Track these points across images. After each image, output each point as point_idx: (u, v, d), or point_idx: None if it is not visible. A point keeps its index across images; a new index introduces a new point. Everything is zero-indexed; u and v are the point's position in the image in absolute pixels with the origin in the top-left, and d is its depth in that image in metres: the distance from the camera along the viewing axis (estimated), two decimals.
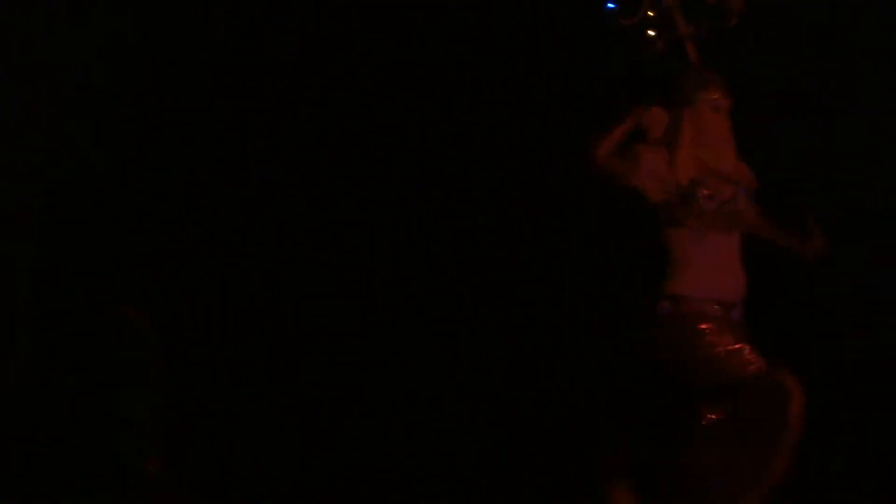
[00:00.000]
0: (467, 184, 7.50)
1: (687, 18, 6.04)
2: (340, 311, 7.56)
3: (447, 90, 7.52)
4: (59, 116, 7.46)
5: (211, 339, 7.51)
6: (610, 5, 6.09)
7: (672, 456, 5.69)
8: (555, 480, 7.05)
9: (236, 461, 7.42)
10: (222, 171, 7.58)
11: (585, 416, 6.91)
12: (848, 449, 6.95)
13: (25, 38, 7.37)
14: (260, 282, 7.57)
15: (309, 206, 7.56)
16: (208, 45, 7.61)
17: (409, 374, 7.52)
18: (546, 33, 7.42)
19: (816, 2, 7.21)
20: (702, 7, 6.05)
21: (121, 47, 7.56)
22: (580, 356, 7.26)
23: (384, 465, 7.41)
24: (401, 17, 7.49)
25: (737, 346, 5.68)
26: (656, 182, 5.76)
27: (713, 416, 5.67)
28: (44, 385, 7.34)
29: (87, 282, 7.40)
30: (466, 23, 7.48)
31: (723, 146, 5.85)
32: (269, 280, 7.57)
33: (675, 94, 5.88)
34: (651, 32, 6.06)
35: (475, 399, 7.42)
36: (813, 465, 6.60)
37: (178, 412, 7.15)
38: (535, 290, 7.46)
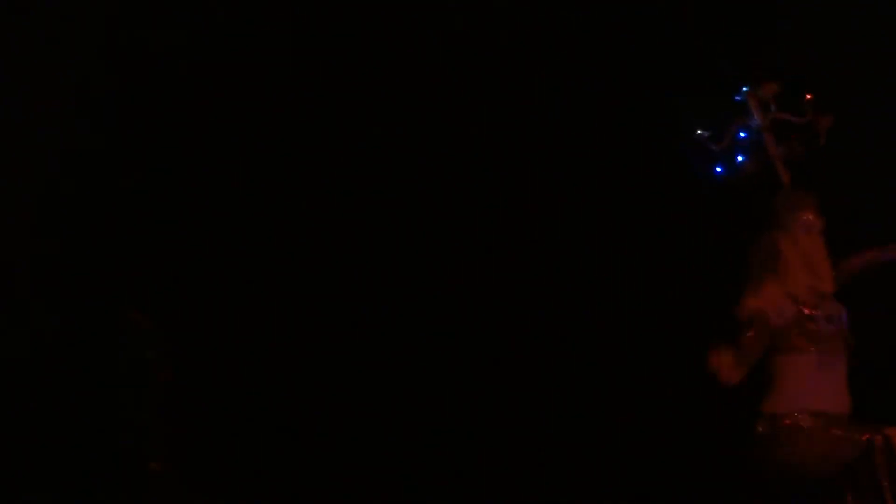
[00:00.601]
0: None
1: (777, 140, 6.14)
2: (342, 311, 7.58)
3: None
4: (62, 116, 7.38)
5: (214, 340, 7.52)
6: (700, 132, 6.13)
7: None
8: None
9: (238, 461, 7.48)
10: (227, 172, 7.57)
11: None
12: None
13: (26, 37, 7.31)
14: (262, 282, 7.56)
15: (311, 206, 7.53)
16: (210, 45, 7.50)
17: (411, 374, 7.60)
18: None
19: None
20: (791, 128, 6.14)
21: (121, 46, 7.50)
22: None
23: (384, 465, 7.50)
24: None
25: (837, 433, 5.84)
26: (774, 309, 5.84)
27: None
28: (47, 385, 7.25)
29: (90, 282, 7.34)
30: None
31: (821, 266, 5.95)
32: (271, 281, 7.56)
33: (768, 219, 5.96)
34: (740, 157, 6.12)
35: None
36: None
37: (181, 412, 7.12)
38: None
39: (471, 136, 7.52)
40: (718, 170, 6.24)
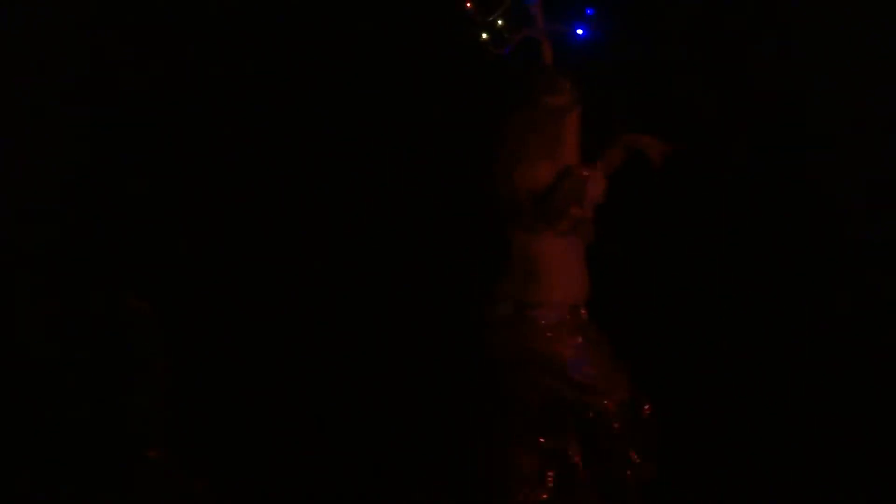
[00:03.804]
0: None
1: (547, 18, 5.95)
2: (341, 302, 7.60)
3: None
4: (63, 106, 7.42)
5: (213, 326, 7.56)
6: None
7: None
8: None
9: (237, 448, 7.47)
10: (228, 161, 7.58)
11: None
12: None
13: (26, 34, 7.33)
14: (261, 272, 7.58)
15: (310, 197, 7.55)
16: (211, 41, 7.57)
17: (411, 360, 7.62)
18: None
19: None
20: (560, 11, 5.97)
21: (123, 41, 7.53)
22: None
23: (382, 454, 7.45)
24: None
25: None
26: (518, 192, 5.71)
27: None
28: (45, 371, 7.28)
29: (91, 270, 7.37)
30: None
31: (565, 150, 5.77)
32: (270, 270, 7.58)
33: (520, 96, 5.77)
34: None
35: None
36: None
37: (179, 399, 7.15)
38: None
39: None
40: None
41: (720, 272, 7.47)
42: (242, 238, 7.59)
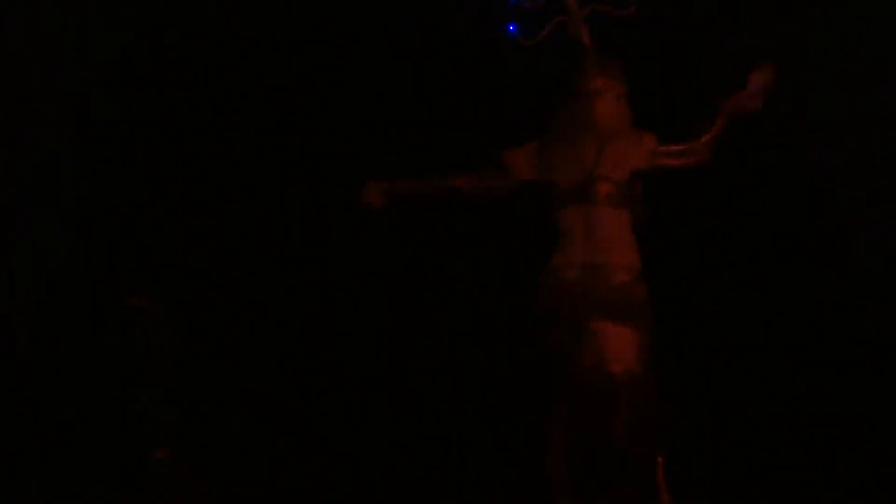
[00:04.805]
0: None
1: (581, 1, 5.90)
2: (347, 304, 7.61)
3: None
4: (65, 106, 7.41)
5: (219, 328, 7.56)
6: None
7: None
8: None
9: (243, 448, 7.49)
10: (237, 163, 7.57)
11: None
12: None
13: (29, 34, 7.38)
14: (268, 272, 7.58)
15: (318, 199, 7.56)
16: (217, 41, 7.57)
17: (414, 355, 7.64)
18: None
19: None
20: None
21: (129, 39, 7.58)
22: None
23: (388, 454, 7.49)
24: None
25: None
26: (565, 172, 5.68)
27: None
28: (54, 371, 7.28)
29: (101, 271, 7.38)
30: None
31: (617, 130, 5.70)
32: (277, 272, 7.59)
33: (564, 83, 5.73)
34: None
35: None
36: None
37: (186, 399, 7.15)
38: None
39: None
40: (511, 28, 5.95)
41: (719, 272, 7.52)
42: (249, 238, 7.59)
